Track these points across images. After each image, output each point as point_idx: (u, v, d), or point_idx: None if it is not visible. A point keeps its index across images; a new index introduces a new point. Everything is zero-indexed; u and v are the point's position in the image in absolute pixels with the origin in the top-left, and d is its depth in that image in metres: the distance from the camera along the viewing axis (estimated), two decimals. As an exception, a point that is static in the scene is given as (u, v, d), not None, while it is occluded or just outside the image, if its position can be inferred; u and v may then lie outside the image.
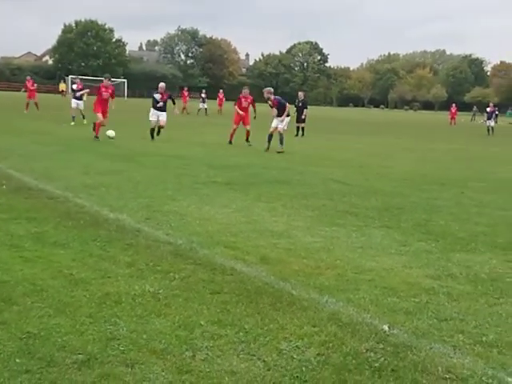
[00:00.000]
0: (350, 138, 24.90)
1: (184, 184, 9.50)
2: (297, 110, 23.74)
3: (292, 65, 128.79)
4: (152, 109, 17.76)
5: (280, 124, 16.54)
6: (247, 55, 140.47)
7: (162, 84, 18.19)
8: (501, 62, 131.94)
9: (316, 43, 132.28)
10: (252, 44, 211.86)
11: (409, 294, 4.47)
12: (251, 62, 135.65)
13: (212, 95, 47.64)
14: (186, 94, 42.73)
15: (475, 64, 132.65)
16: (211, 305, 4.05)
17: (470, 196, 9.77)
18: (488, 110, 37.04)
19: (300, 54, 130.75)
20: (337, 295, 4.39)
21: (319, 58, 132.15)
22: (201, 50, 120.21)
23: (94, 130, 16.90)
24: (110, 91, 17.52)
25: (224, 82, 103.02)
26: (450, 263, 5.45)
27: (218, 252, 5.47)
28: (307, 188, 9.84)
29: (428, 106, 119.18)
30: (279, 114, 16.67)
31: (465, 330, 3.79)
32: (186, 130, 17.28)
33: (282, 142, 16.18)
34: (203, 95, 41.40)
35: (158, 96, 17.61)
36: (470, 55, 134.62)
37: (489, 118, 36.33)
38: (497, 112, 38.01)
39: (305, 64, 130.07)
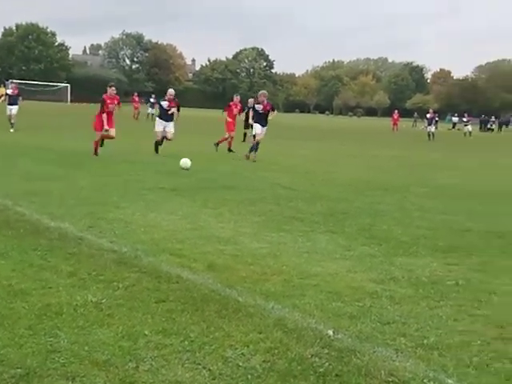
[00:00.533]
0: (297, 143, 25.14)
1: (129, 190, 9.36)
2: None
3: (238, 70, 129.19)
4: (157, 118, 16.29)
5: (262, 135, 16.07)
6: (193, 60, 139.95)
7: (171, 90, 16.58)
8: (440, 70, 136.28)
9: (262, 49, 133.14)
10: (198, 50, 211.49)
11: (353, 299, 4.53)
12: (197, 68, 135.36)
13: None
14: (136, 99, 42.15)
15: (416, 71, 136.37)
16: (156, 314, 3.98)
17: (412, 201, 10.01)
18: (428, 116, 38.18)
19: (246, 60, 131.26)
20: (283, 301, 4.40)
21: (265, 64, 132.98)
22: (146, 54, 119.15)
23: (98, 146, 14.60)
24: (115, 102, 15.00)
25: (170, 87, 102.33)
26: (393, 267, 5.56)
27: (164, 259, 5.40)
28: (254, 193, 9.87)
29: (371, 112, 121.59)
30: (262, 122, 16.06)
31: (407, 333, 3.87)
32: (135, 135, 17.00)
33: (255, 150, 15.83)
34: (152, 100, 40.78)
35: (165, 103, 15.99)
36: (411, 63, 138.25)
37: (429, 124, 37.45)
38: (437, 118, 39.16)
39: (251, 70, 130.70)
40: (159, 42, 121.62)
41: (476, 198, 10.85)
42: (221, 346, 3.49)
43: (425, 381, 3.15)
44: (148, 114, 39.60)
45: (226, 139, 18.57)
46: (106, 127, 14.45)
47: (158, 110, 16.59)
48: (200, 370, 3.19)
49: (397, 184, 12.40)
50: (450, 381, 3.16)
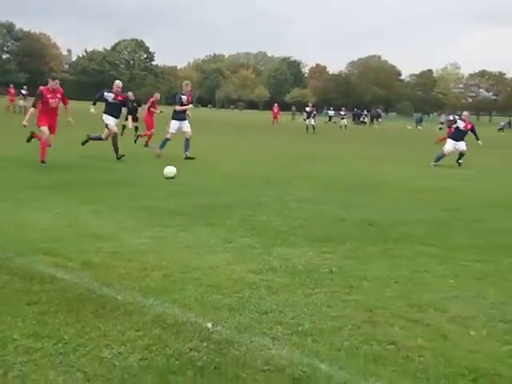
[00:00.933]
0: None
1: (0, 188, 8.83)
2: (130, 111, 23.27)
3: (118, 62, 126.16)
4: (104, 114, 14.19)
5: (188, 128, 15.39)
6: (69, 51, 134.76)
7: (118, 82, 14.51)
8: (316, 65, 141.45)
9: (142, 41, 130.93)
10: (74, 40, 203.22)
11: (232, 290, 4.59)
12: (74, 58, 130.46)
13: (32, 92, 44.82)
14: (12, 91, 39.73)
15: (293, 66, 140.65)
16: (27, 317, 3.79)
17: (292, 192, 10.27)
18: (307, 109, 39.49)
19: (125, 52, 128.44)
20: (162, 296, 4.36)
21: (145, 56, 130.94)
22: (17, 44, 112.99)
23: (40, 152, 12.07)
24: (58, 96, 12.50)
25: (45, 79, 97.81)
26: (271, 257, 5.69)
27: (37, 260, 5.15)
28: (136, 189, 9.70)
29: (253, 105, 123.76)
30: (184, 116, 15.41)
31: (283, 321, 3.97)
32: (5, 128, 16.03)
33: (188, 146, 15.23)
34: (24, 92, 38.71)
35: (110, 96, 14.13)
36: (289, 57, 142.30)
37: (308, 117, 38.78)
38: (315, 112, 40.54)
39: (131, 62, 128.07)
40: (32, 31, 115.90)
41: (351, 189, 11.34)
42: (96, 347, 3.40)
43: (299, 367, 3.26)
44: (20, 106, 37.47)
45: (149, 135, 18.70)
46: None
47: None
48: (74, 372, 3.09)
49: (278, 176, 12.69)
50: (322, 365, 3.29)
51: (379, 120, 70.61)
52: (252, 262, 5.47)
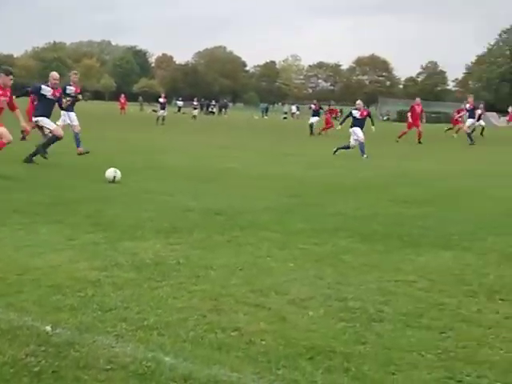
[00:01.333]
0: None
1: None
2: None
3: None
4: (39, 116, 12.39)
5: (75, 121, 14.37)
6: None
7: (55, 73, 12.63)
8: (163, 55, 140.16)
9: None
10: None
11: (74, 290, 4.41)
12: None
13: None
14: None
15: (139, 55, 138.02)
16: None
17: (142, 184, 10.12)
18: (161, 100, 39.16)
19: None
20: (-4, 301, 4.08)
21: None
22: None
23: None
24: (8, 94, 10.75)
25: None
26: (117, 252, 5.55)
27: None
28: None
29: (99, 95, 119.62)
30: (71, 108, 14.30)
31: (128, 317, 3.89)
32: None
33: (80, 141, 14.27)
34: None
35: (48, 90, 12.35)
36: (135, 47, 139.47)
37: (162, 109, 38.49)
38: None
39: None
40: None
41: (200, 178, 11.40)
42: None
43: (143, 362, 3.20)
44: None
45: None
46: None
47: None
48: None
49: (127, 168, 12.34)
50: (167, 358, 3.27)
51: (227, 110, 72.17)
52: (96, 259, 5.30)
